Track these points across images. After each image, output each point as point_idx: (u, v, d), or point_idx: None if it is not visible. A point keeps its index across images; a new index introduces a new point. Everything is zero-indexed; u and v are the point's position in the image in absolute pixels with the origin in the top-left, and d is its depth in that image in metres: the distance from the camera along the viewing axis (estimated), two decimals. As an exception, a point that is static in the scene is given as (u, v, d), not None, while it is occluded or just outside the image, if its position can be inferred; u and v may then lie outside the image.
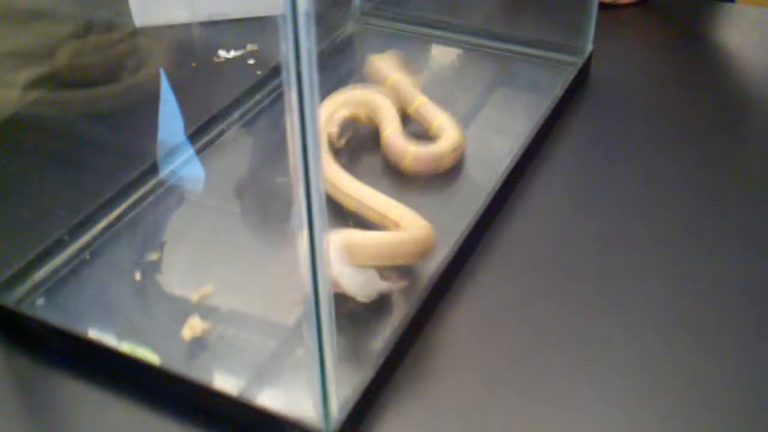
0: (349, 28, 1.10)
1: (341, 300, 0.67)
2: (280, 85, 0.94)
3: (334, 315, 0.52)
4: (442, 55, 1.08)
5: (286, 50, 0.42)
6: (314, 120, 0.44)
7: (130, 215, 0.79)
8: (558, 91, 0.92)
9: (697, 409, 0.62)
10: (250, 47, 1.09)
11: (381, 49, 1.05)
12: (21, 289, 0.71)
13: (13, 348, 0.69)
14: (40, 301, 0.70)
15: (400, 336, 0.64)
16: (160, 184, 0.82)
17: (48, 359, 0.67)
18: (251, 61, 1.06)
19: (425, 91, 0.90)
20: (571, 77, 0.94)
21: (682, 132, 0.93)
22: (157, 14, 1.11)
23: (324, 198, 0.47)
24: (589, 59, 1.00)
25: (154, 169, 0.82)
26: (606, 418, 0.61)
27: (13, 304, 0.69)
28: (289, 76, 0.43)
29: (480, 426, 0.61)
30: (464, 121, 0.93)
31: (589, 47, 0.99)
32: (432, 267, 0.70)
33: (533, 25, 1.06)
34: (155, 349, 0.65)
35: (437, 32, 1.08)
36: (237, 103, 0.95)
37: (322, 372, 0.53)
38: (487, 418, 0.61)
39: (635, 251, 0.76)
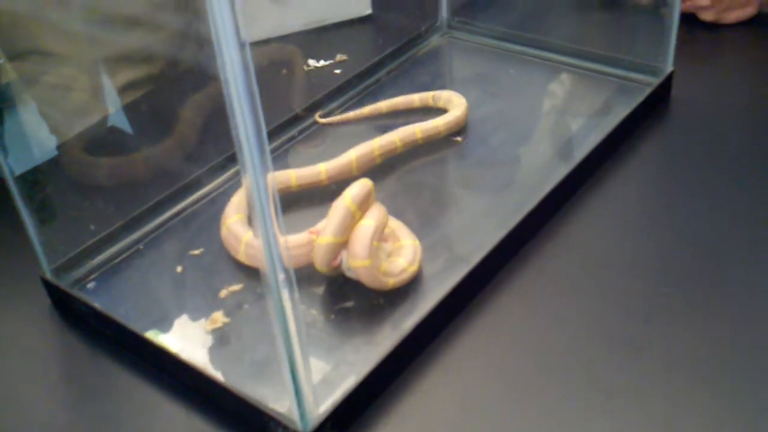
0: (435, 41, 1.13)
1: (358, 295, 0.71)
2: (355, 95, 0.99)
3: (301, 319, 0.55)
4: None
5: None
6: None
7: (186, 213, 0.85)
8: (623, 111, 0.90)
9: None
10: (339, 57, 1.14)
11: (463, 62, 1.08)
12: (77, 273, 0.78)
13: (65, 325, 0.76)
14: (91, 285, 0.77)
15: (401, 346, 0.66)
16: (218, 185, 0.88)
17: (92, 337, 0.74)
18: (338, 71, 1.11)
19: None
20: (641, 98, 0.92)
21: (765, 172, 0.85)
22: (259, 29, 1.16)
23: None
24: (668, 81, 0.97)
25: (211, 172, 0.88)
26: None
27: (67, 286, 0.76)
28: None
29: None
30: (523, 135, 0.94)
31: (669, 68, 0.96)
32: (444, 287, 0.71)
33: (618, 44, 1.04)
34: (178, 336, 0.71)
35: (520, 48, 1.08)
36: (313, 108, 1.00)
37: (293, 371, 0.56)
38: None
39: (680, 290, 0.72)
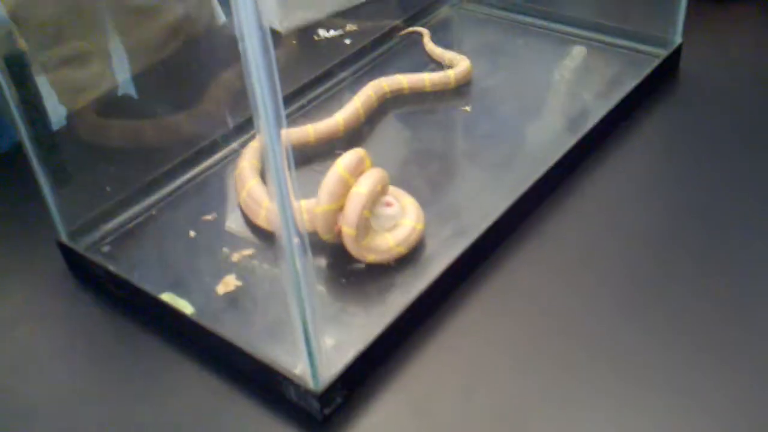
0: (445, 11, 1.13)
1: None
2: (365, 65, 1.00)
3: (313, 277, 0.56)
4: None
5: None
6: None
7: (199, 178, 0.86)
8: (632, 83, 0.91)
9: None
10: (349, 27, 1.14)
11: (472, 32, 1.08)
12: (92, 237, 0.80)
13: (81, 288, 0.78)
14: (106, 248, 0.79)
15: (410, 310, 0.67)
16: (231, 152, 0.89)
17: (107, 300, 0.76)
18: (348, 41, 1.11)
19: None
20: (650, 70, 0.93)
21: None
22: (293, 18, 1.16)
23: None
24: (677, 53, 0.97)
25: (224, 139, 0.90)
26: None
27: (82, 249, 0.78)
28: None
29: (477, 407, 0.63)
30: (531, 106, 0.95)
31: (678, 40, 0.97)
32: (453, 252, 0.72)
33: (627, 16, 1.05)
34: (191, 299, 0.72)
35: (530, 19, 1.08)
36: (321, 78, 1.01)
37: (306, 332, 0.58)
38: (482, 398, 0.64)
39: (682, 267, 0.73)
